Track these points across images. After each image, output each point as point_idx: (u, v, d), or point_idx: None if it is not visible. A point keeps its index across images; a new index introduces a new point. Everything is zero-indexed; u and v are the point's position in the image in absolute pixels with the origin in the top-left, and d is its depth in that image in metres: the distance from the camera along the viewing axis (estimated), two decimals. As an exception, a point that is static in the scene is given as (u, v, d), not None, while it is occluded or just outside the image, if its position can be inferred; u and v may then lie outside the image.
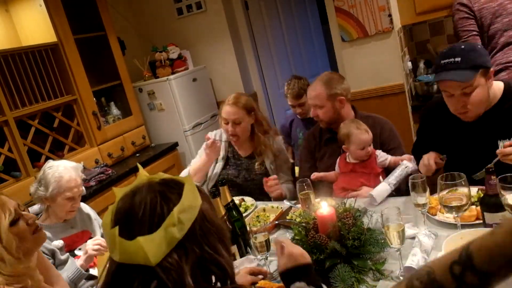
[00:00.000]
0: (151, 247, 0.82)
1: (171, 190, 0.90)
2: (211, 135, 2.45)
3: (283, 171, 2.40)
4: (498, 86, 1.73)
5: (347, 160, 2.08)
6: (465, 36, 2.59)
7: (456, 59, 1.61)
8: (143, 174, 0.98)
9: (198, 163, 2.35)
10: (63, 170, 1.96)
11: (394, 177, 1.91)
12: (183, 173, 2.38)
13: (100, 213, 2.55)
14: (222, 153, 2.41)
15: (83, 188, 2.06)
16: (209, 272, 0.89)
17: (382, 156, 2.04)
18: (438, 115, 1.87)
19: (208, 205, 0.95)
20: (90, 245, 1.86)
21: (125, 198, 0.90)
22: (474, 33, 2.58)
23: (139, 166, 1.04)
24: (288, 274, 1.13)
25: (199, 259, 0.86)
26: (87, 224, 2.14)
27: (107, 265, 0.89)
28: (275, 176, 2.21)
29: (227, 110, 2.28)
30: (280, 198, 2.23)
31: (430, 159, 1.77)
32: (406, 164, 1.93)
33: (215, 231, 0.91)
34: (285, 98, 2.96)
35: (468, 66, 1.60)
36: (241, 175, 2.38)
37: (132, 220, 0.86)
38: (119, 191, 0.94)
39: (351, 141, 2.01)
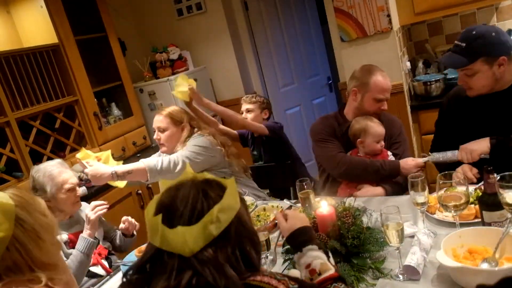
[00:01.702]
0: (189, 238, 0.88)
1: (213, 190, 0.96)
2: None
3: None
4: None
5: (359, 154, 2.10)
6: None
7: (462, 44, 1.73)
8: (189, 171, 1.05)
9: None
10: (51, 168, 1.99)
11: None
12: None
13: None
14: None
15: (77, 179, 2.08)
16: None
17: (391, 156, 2.07)
18: (459, 103, 1.93)
19: (245, 211, 1.01)
20: (89, 211, 1.91)
21: (169, 192, 0.97)
22: None
23: (187, 163, 1.14)
24: (293, 237, 1.23)
25: (231, 256, 0.91)
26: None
27: (147, 249, 0.95)
28: None
29: (155, 118, 2.39)
30: None
31: (467, 172, 1.78)
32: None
33: (248, 235, 0.97)
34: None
35: (468, 53, 1.71)
36: None
37: (174, 212, 0.92)
38: (164, 183, 1.01)
39: (368, 133, 2.02)
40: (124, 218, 2.12)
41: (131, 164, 2.13)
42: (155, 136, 2.39)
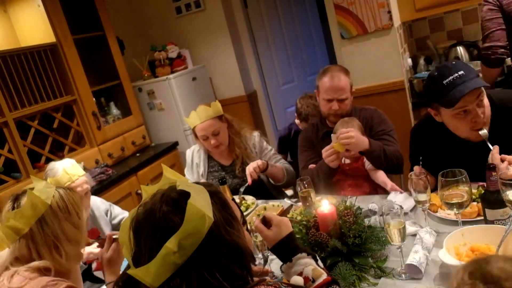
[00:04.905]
0: (149, 274, 0.84)
1: (176, 211, 0.88)
2: (189, 153, 2.50)
3: (270, 158, 2.40)
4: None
5: (342, 161, 2.09)
6: (493, 29, 2.38)
7: (460, 73, 1.57)
8: (168, 177, 0.98)
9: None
10: (61, 170, 1.93)
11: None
12: None
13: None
14: (201, 170, 2.43)
15: (89, 185, 2.01)
16: None
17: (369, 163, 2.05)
18: (428, 137, 1.83)
19: (225, 219, 0.92)
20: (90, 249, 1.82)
21: (140, 209, 0.93)
22: (502, 26, 2.38)
23: (164, 166, 1.03)
24: (281, 247, 1.18)
25: (205, 282, 0.85)
26: (95, 221, 2.14)
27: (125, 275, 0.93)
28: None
29: (202, 127, 2.26)
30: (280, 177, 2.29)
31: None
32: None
33: (226, 252, 0.88)
34: (295, 112, 2.83)
35: (473, 76, 1.58)
36: (228, 182, 2.35)
37: (139, 240, 0.89)
38: (145, 190, 0.98)
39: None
40: None
41: None
42: (212, 142, 2.27)
